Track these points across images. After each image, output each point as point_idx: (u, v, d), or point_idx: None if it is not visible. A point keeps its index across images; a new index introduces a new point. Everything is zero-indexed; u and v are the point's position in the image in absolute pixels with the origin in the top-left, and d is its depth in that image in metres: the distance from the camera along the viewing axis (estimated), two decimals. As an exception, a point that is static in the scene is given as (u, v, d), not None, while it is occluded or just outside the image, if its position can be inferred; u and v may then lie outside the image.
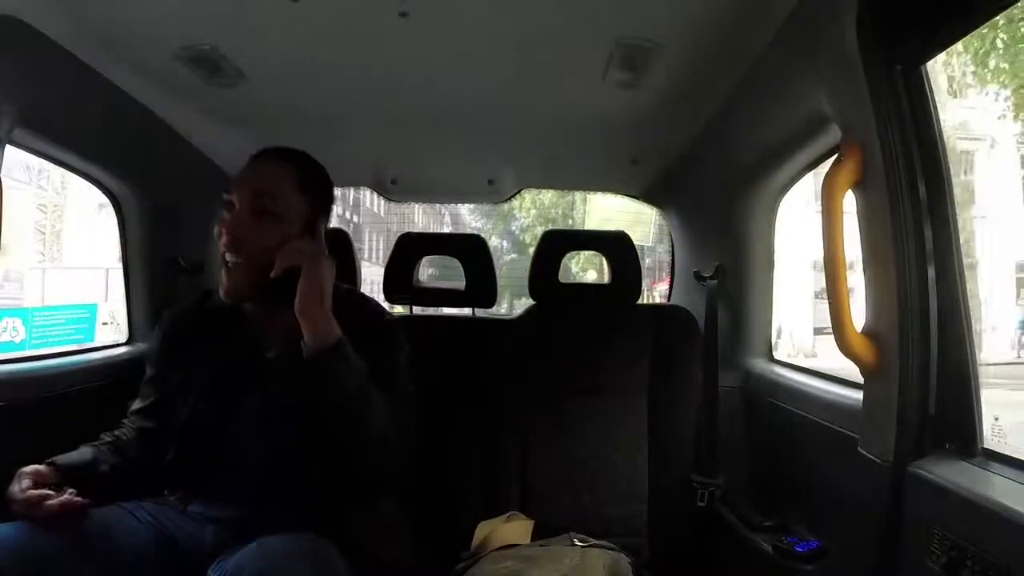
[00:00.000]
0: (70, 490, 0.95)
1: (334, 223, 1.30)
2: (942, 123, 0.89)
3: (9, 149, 1.14)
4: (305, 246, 1.04)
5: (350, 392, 1.00)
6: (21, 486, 0.93)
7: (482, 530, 1.40)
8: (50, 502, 0.92)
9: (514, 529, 1.40)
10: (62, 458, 1.03)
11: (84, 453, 1.09)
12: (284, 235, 1.05)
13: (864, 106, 0.89)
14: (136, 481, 1.14)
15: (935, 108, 0.89)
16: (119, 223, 1.62)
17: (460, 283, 1.71)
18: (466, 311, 1.72)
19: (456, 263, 1.71)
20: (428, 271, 2.13)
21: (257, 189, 1.06)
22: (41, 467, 0.98)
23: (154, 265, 1.65)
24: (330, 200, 1.18)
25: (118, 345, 1.68)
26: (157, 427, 1.16)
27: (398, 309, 1.73)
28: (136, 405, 1.22)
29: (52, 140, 1.28)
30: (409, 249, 1.69)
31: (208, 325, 1.16)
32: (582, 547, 1.25)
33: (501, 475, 1.52)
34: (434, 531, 1.38)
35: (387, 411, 1.04)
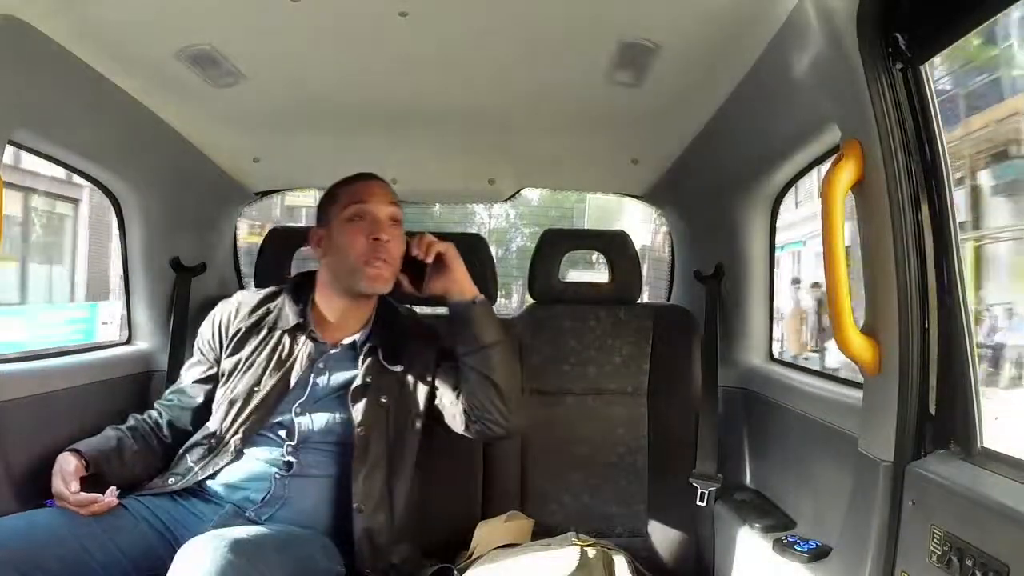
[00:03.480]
0: (112, 488, 1.09)
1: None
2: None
3: (9, 149, 1.14)
4: (435, 239, 1.26)
5: (499, 333, 1.23)
6: (70, 488, 1.08)
7: (482, 530, 1.41)
8: (97, 504, 1.06)
9: (514, 529, 1.40)
10: (85, 446, 1.15)
11: (109, 440, 1.20)
12: (402, 237, 1.26)
13: (864, 106, 0.89)
14: (155, 464, 1.23)
15: (935, 108, 0.89)
16: (119, 223, 1.62)
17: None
18: None
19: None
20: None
21: (391, 203, 1.26)
22: (73, 459, 1.11)
23: (154, 265, 1.65)
24: None
25: (118, 344, 1.68)
26: (201, 404, 1.28)
27: None
28: (179, 384, 1.33)
29: (52, 140, 1.28)
30: None
31: (274, 324, 1.27)
32: (582, 547, 1.25)
33: (501, 475, 1.52)
34: (434, 531, 1.38)
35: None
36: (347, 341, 1.25)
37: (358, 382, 1.21)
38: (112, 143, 1.42)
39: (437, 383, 1.26)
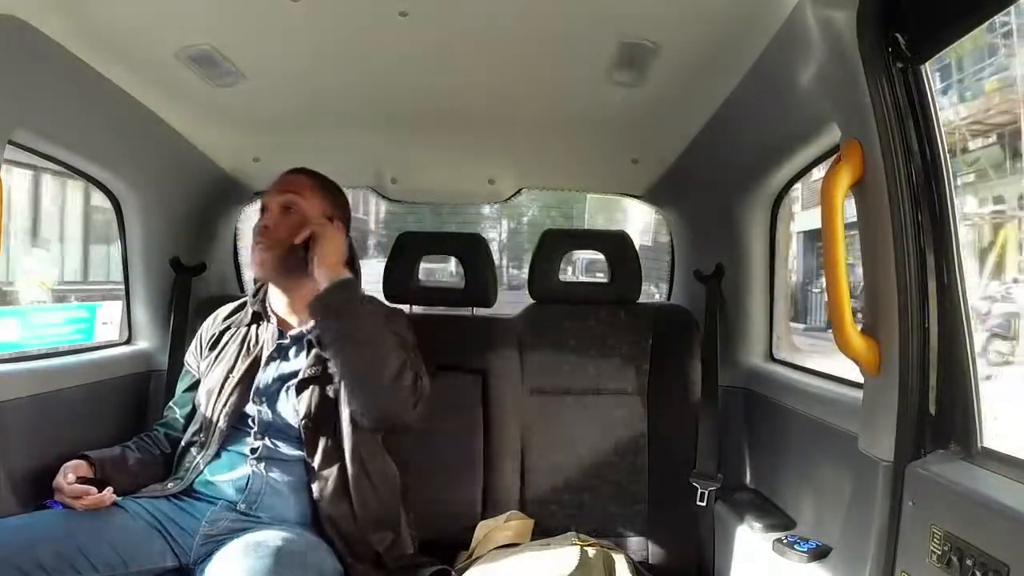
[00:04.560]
0: (108, 487, 1.12)
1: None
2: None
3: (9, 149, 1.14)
4: (317, 220, 1.24)
5: (361, 323, 1.16)
6: (67, 479, 1.11)
7: (482, 530, 1.41)
8: (89, 497, 1.09)
9: (514, 529, 1.40)
10: (95, 453, 1.19)
11: (115, 450, 1.25)
12: (304, 223, 1.23)
13: (864, 106, 0.89)
14: (158, 474, 1.26)
15: (935, 107, 0.89)
16: (119, 223, 1.62)
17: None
18: (465, 310, 1.72)
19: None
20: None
21: (284, 190, 1.27)
22: (81, 462, 1.16)
23: (154, 265, 1.65)
24: (344, 203, 1.35)
25: (118, 344, 1.68)
26: (191, 411, 1.30)
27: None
28: (176, 395, 1.37)
29: (52, 140, 1.28)
30: (408, 248, 1.69)
31: (242, 320, 1.34)
32: (582, 547, 1.25)
33: (501, 475, 1.52)
34: (434, 531, 1.38)
35: (401, 354, 1.17)
36: (295, 332, 1.27)
37: (302, 374, 1.22)
38: (112, 143, 1.42)
39: None
